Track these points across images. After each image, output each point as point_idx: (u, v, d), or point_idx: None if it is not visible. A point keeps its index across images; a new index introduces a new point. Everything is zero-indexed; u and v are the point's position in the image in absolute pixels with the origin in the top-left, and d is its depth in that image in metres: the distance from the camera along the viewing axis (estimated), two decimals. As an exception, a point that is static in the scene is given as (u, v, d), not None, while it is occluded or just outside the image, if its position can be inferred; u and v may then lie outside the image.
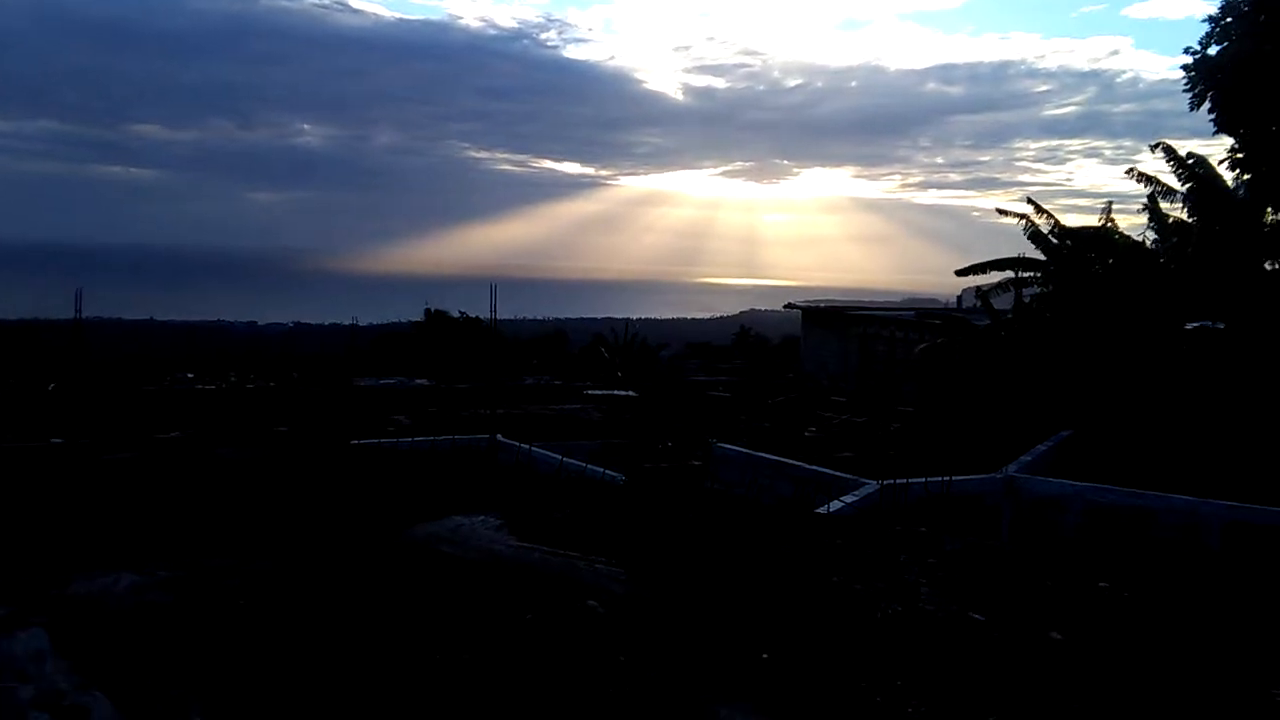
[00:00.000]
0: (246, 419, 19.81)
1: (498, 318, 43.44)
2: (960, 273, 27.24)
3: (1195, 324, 18.31)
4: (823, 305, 34.53)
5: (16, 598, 5.33)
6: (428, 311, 68.12)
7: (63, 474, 9.42)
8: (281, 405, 22.05)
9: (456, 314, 68.58)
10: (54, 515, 7.60)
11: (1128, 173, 24.37)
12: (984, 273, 26.89)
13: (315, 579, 6.08)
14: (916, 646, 5.09)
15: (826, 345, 31.54)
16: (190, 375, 25.49)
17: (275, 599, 5.59)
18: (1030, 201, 25.70)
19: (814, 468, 12.91)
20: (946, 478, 9.35)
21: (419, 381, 37.99)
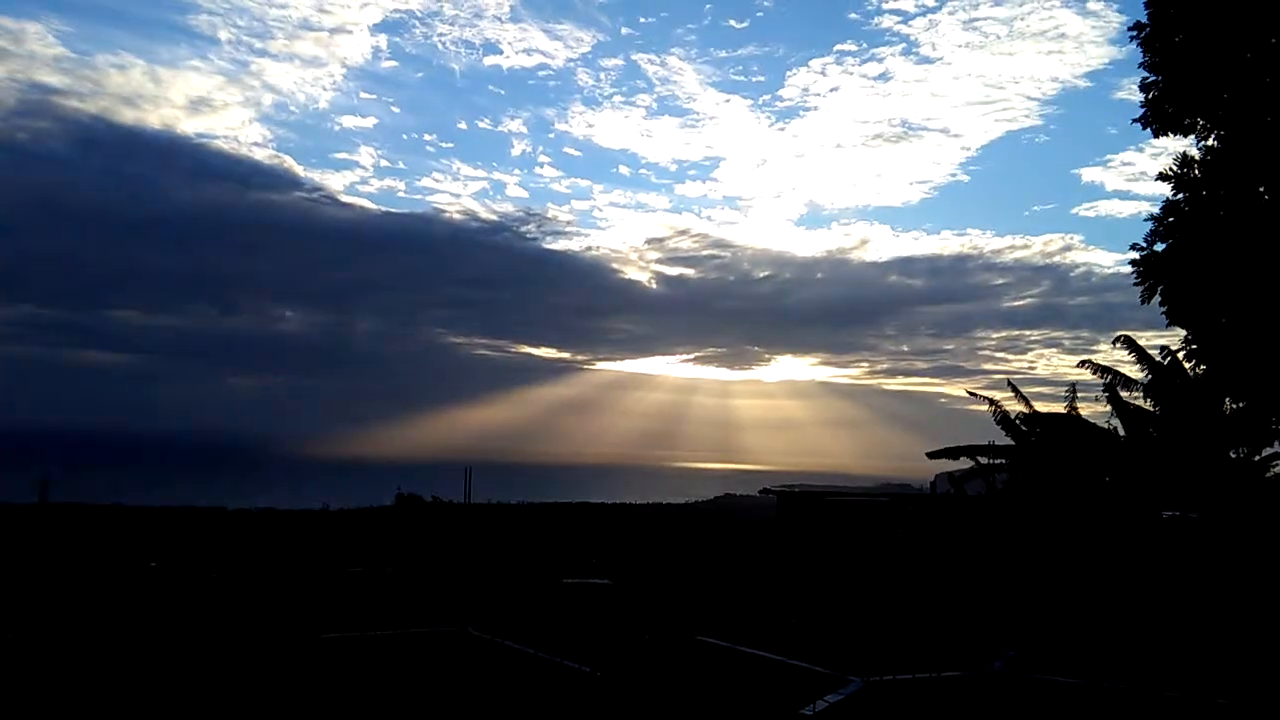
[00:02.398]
0: (208, 611, 19.15)
1: (473, 501, 42.97)
2: (932, 455, 27.55)
3: (1170, 513, 18.45)
4: (798, 490, 34.46)
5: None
6: (399, 496, 67.05)
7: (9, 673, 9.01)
8: (245, 596, 21.37)
9: (429, 498, 67.56)
10: None
11: (1082, 364, 25.22)
12: (954, 458, 27.26)
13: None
14: None
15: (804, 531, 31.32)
16: (153, 564, 24.73)
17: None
18: (1010, 384, 26.56)
19: (794, 662, 12.54)
20: (933, 674, 9.09)
21: (389, 569, 36.89)
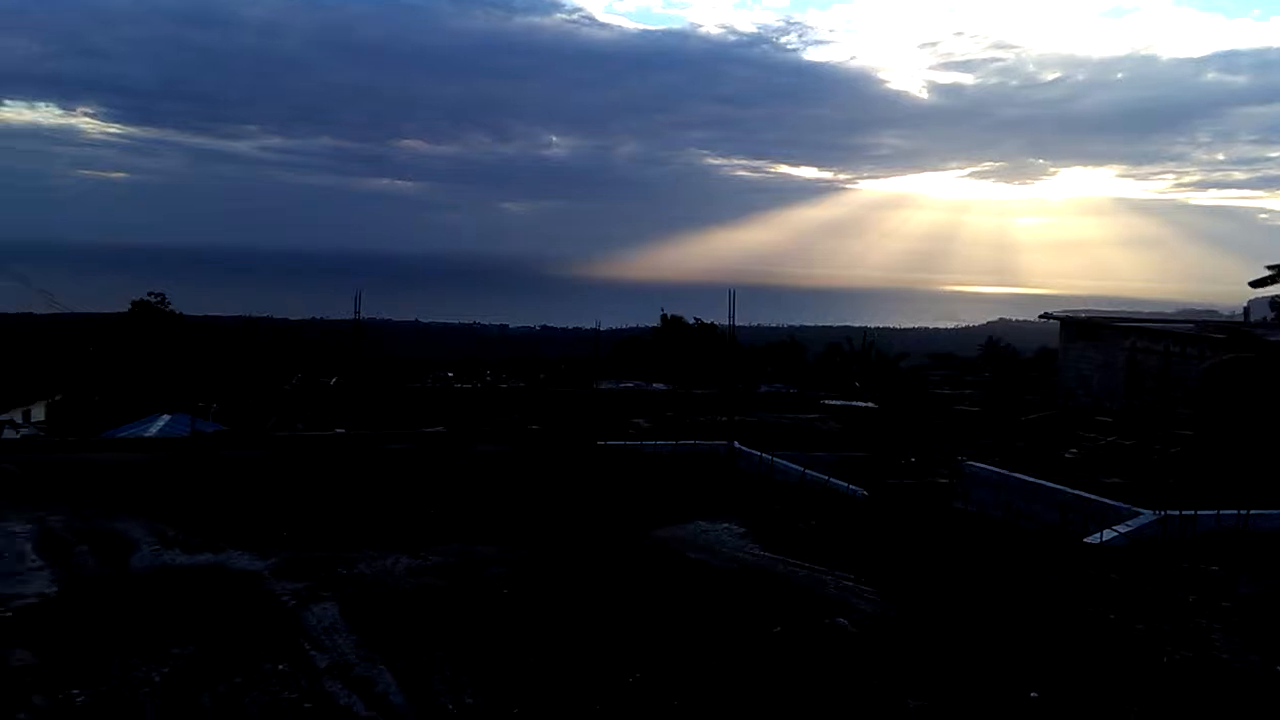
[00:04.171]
0: (500, 416, 20.99)
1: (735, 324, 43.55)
2: (1255, 284, 24.50)
3: None
4: (1084, 316, 31.93)
5: (311, 575, 5.89)
6: (664, 317, 69.58)
7: (346, 461, 10.36)
8: (530, 404, 23.19)
9: (692, 320, 69.55)
10: (340, 499, 8.35)
11: None
12: (1282, 282, 24.07)
13: (571, 571, 6.30)
14: (1209, 696, 4.55)
15: (1088, 359, 29.12)
16: (450, 374, 27.40)
17: (534, 587, 5.84)
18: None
19: (1077, 492, 11.93)
20: (1242, 511, 8.31)
21: (656, 386, 38.81)
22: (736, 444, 16.21)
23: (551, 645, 4.87)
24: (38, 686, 4.09)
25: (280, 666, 4.39)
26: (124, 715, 3.86)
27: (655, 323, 65.32)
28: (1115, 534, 8.61)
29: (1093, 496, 11.04)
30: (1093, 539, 8.45)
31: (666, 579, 6.21)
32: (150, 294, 62.51)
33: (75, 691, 4.04)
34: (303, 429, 18.84)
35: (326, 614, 5.18)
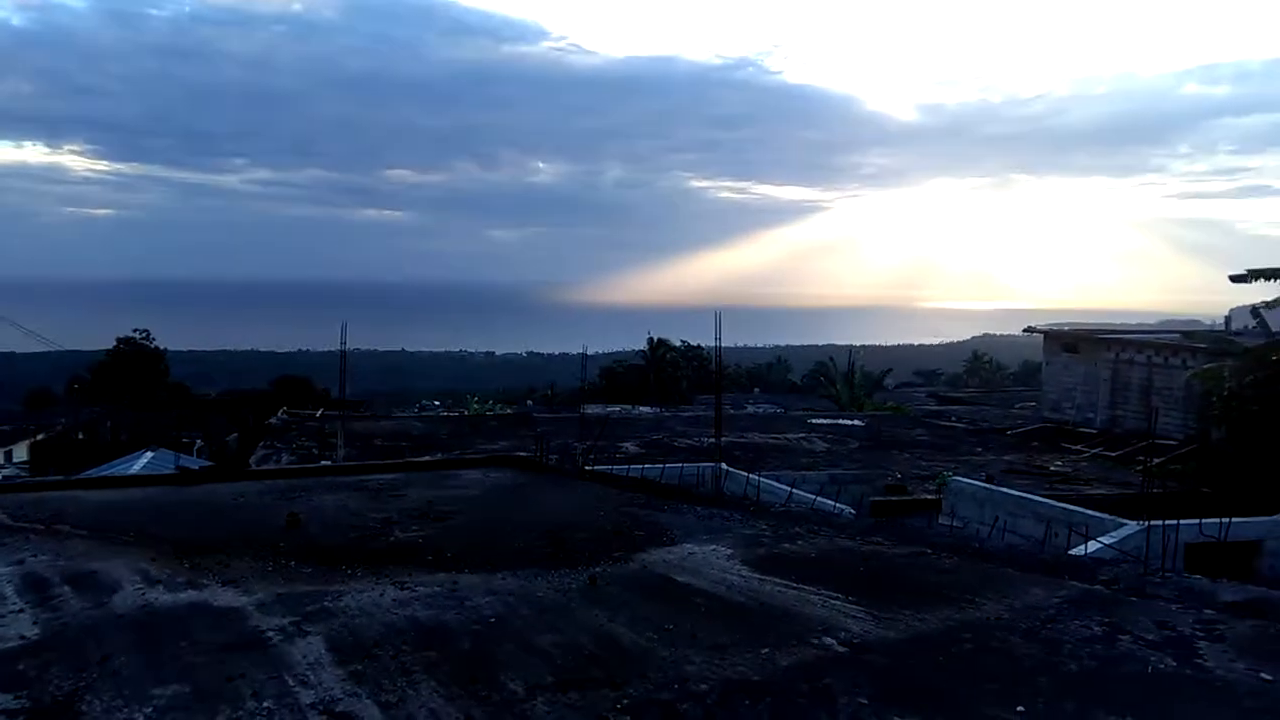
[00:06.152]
0: (487, 444, 20.95)
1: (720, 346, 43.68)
2: (1235, 279, 24.46)
3: None
4: (1067, 329, 32.17)
5: (297, 609, 5.86)
6: (650, 341, 69.93)
7: (333, 493, 10.32)
8: (519, 431, 23.17)
9: (678, 343, 69.89)
10: (327, 532, 8.33)
11: None
12: (1270, 279, 23.92)
13: (556, 598, 6.30)
14: (1196, 705, 4.58)
15: (1071, 372, 29.31)
16: (438, 403, 27.41)
17: (519, 615, 5.83)
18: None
19: (1062, 505, 12.00)
20: (1224, 520, 8.37)
21: (643, 409, 38.91)
22: (724, 466, 16.25)
23: (535, 672, 4.86)
24: (18, 731, 4.06)
25: (265, 704, 4.37)
26: (106, 757, 3.83)
27: (642, 346, 65.65)
28: (1100, 545, 8.65)
29: (1077, 509, 11.10)
30: (1077, 550, 8.49)
31: (653, 602, 6.21)
32: (135, 330, 62.28)
33: (56, 735, 4.01)
34: (289, 462, 18.78)
35: (312, 649, 5.15)
